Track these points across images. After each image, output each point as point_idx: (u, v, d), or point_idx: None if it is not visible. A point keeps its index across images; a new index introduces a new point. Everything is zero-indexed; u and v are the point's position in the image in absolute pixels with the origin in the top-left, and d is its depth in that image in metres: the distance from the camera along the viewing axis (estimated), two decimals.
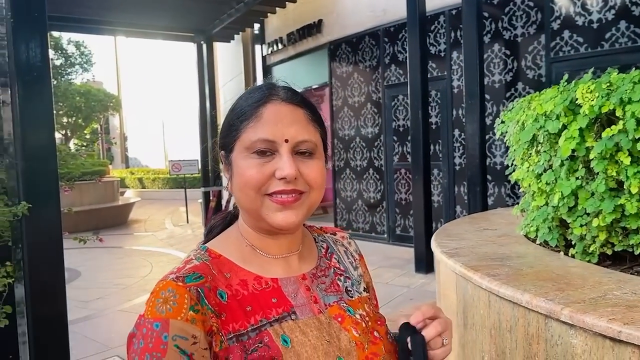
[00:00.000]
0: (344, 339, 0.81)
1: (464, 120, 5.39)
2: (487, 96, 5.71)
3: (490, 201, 5.73)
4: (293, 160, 0.79)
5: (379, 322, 0.89)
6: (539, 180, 1.75)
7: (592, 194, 1.53)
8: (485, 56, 5.73)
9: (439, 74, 6.49)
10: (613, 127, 1.39)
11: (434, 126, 6.51)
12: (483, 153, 4.90)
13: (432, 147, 6.44)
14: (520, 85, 5.58)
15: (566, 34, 5.18)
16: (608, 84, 1.43)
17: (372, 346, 0.83)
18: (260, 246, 0.85)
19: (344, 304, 0.87)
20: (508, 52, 5.71)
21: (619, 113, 1.38)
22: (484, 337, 1.58)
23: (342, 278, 0.92)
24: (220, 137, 0.86)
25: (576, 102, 1.52)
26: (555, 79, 5.05)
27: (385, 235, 7.33)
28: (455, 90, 6.31)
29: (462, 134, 6.03)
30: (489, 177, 5.64)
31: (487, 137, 5.38)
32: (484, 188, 4.93)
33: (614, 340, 1.11)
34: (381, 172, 7.39)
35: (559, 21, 5.23)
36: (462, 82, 5.85)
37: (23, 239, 2.28)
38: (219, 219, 0.95)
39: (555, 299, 1.27)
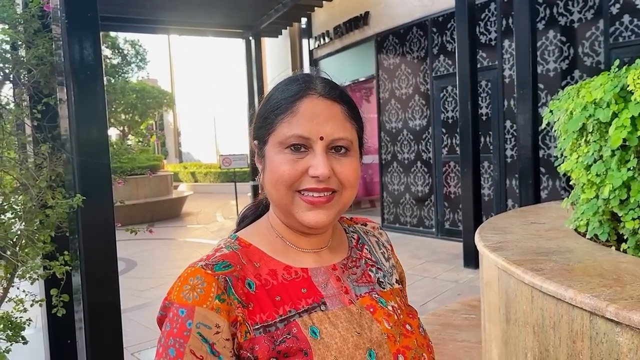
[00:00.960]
0: (376, 331, 0.79)
1: (515, 111, 5.20)
2: (540, 85, 5.48)
3: (543, 195, 5.51)
4: (327, 159, 0.77)
5: (410, 315, 0.87)
6: (588, 172, 1.67)
7: None
8: (539, 44, 5.49)
9: (490, 64, 6.29)
10: None
11: (484, 117, 6.32)
12: (535, 144, 4.72)
13: (482, 139, 6.26)
14: (577, 73, 5.31)
15: (626, 18, 4.88)
16: None
17: (404, 339, 0.81)
18: (290, 239, 0.85)
19: (376, 295, 0.86)
20: (564, 39, 5.45)
21: None
22: (526, 333, 1.53)
23: (373, 269, 0.90)
24: (255, 127, 0.85)
25: (627, 88, 1.43)
26: None
27: (434, 230, 7.21)
28: (507, 80, 6.09)
29: (514, 125, 5.82)
30: (542, 169, 5.42)
31: (540, 128, 5.17)
32: (537, 181, 4.74)
33: None
34: (429, 165, 7.26)
35: (618, 5, 4.93)
36: (513, 72, 5.64)
37: (79, 229, 2.40)
38: (250, 207, 0.94)
39: (601, 295, 1.21)
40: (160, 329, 0.74)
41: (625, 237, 1.61)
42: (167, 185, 11.41)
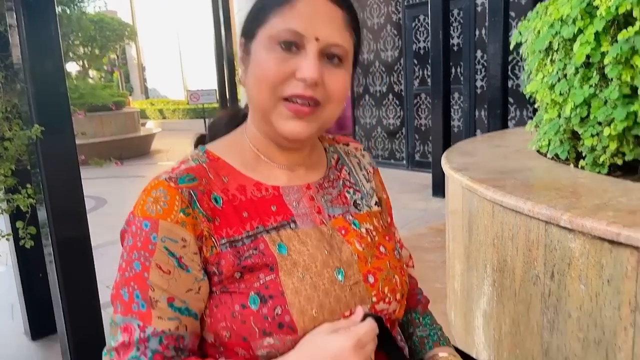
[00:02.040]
0: (346, 251, 0.77)
1: (486, 40, 5.15)
2: (512, 14, 5.41)
3: (511, 125, 5.59)
4: (318, 63, 0.70)
5: (387, 237, 0.85)
6: (552, 91, 1.68)
7: (605, 102, 1.47)
8: None
9: None
10: (630, 28, 1.31)
11: (455, 48, 6.26)
12: (505, 74, 4.72)
13: (453, 70, 6.23)
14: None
15: None
16: None
17: (375, 260, 0.79)
18: (266, 153, 0.80)
19: (350, 217, 0.82)
20: None
21: (636, 14, 1.29)
22: (487, 247, 1.60)
23: (350, 191, 0.86)
24: (245, 21, 0.77)
25: (594, 3, 1.42)
26: None
27: (404, 162, 7.31)
28: (479, 9, 5.99)
29: (485, 55, 5.79)
30: (510, 99, 5.47)
31: (510, 57, 5.16)
32: (505, 111, 4.79)
33: (613, 243, 1.11)
34: (401, 97, 7.24)
35: None
36: (486, 0, 5.54)
37: (39, 162, 2.33)
38: (223, 116, 0.88)
39: (557, 205, 1.26)
40: (122, 244, 0.72)
41: (583, 155, 1.66)
42: (134, 122, 11.10)
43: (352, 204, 0.85)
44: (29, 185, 2.38)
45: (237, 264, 0.70)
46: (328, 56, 0.72)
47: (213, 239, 0.71)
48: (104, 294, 3.03)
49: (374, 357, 0.72)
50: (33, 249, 2.50)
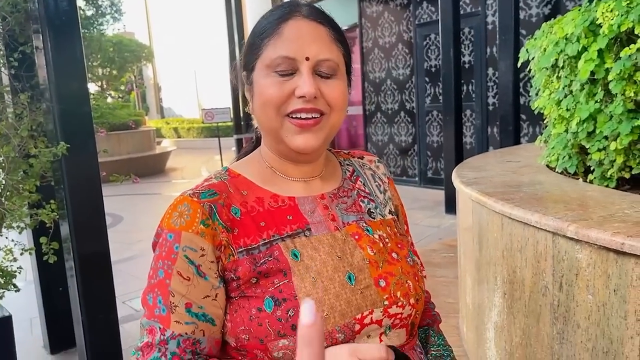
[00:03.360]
0: (358, 256, 0.80)
1: (497, 57, 5.20)
2: (522, 31, 5.47)
3: (524, 141, 5.60)
4: (313, 79, 0.77)
5: (399, 245, 0.87)
6: (559, 107, 1.73)
7: (611, 117, 1.51)
8: None
9: (473, 10, 6.23)
10: (632, 46, 1.35)
11: (467, 65, 6.32)
12: (516, 91, 4.76)
13: (465, 88, 6.28)
14: None
15: None
16: (628, 2, 1.37)
17: (387, 265, 0.81)
18: (281, 169, 0.85)
19: (364, 224, 0.86)
20: None
21: (638, 31, 1.33)
22: (497, 259, 1.63)
23: (365, 200, 0.90)
24: (243, 56, 0.85)
25: (597, 22, 1.47)
26: None
27: (417, 179, 7.33)
28: (490, 27, 6.06)
29: (496, 72, 5.84)
30: (522, 116, 5.49)
31: (521, 75, 5.20)
32: (517, 127, 4.81)
33: (618, 253, 1.14)
34: (413, 114, 7.29)
35: None
36: (496, 18, 5.61)
37: (63, 178, 2.42)
38: (249, 144, 0.96)
39: (564, 217, 1.29)
40: (154, 253, 0.78)
41: (592, 169, 1.69)
42: (149, 140, 11.30)
43: (366, 212, 0.88)
44: (52, 201, 2.47)
45: (253, 269, 0.75)
46: (321, 71, 0.79)
47: (231, 248, 0.76)
48: (120, 309, 3.10)
49: None
50: (54, 263, 2.58)
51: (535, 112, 1.98)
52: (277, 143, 0.82)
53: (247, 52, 0.83)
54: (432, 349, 0.93)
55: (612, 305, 1.17)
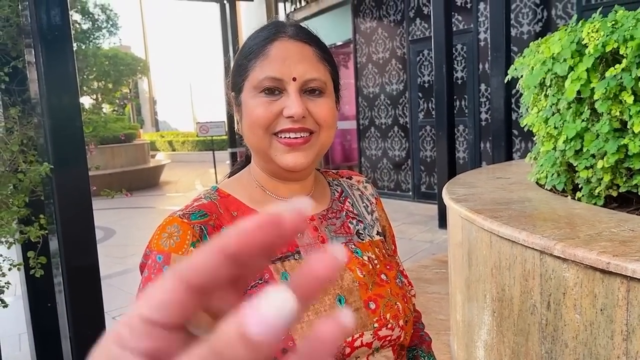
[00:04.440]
0: (347, 279, 0.80)
1: (489, 74, 5.26)
2: (514, 48, 5.53)
3: (516, 157, 5.64)
4: (301, 99, 0.77)
5: (388, 267, 0.87)
6: (547, 125, 1.74)
7: (597, 135, 1.52)
8: (513, 6, 5.52)
9: (465, 27, 6.31)
10: (617, 65, 1.37)
11: (459, 81, 6.38)
12: (508, 107, 4.81)
13: (457, 103, 6.33)
14: None
15: None
16: (613, 22, 1.40)
17: (377, 288, 0.81)
18: (270, 188, 0.85)
19: (353, 246, 0.86)
20: (537, 1, 5.48)
21: (622, 51, 1.35)
22: (486, 277, 1.63)
23: (354, 221, 0.90)
24: (231, 78, 0.86)
25: (583, 42, 1.49)
26: None
27: (410, 193, 7.35)
28: (482, 44, 6.13)
29: (488, 88, 5.90)
30: (515, 132, 5.53)
31: (513, 91, 5.25)
32: (509, 143, 4.85)
33: (604, 272, 1.14)
34: (406, 129, 7.33)
35: None
36: (488, 35, 5.68)
37: (53, 193, 2.41)
38: (238, 162, 0.96)
39: (551, 236, 1.30)
40: (141, 276, 0.77)
41: (580, 186, 1.70)
42: (144, 153, 11.28)
43: (354, 233, 0.88)
44: (42, 216, 2.45)
45: (243, 293, 0.75)
46: (309, 90, 0.79)
47: None
48: (111, 325, 3.06)
49: None
50: (43, 279, 2.55)
51: (525, 129, 2.00)
52: (267, 162, 0.82)
53: (234, 74, 0.84)
54: None
55: (599, 325, 1.17)
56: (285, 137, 0.78)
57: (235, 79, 0.83)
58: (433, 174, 6.85)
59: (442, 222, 5.51)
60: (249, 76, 0.80)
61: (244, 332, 0.19)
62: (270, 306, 0.19)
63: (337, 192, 0.94)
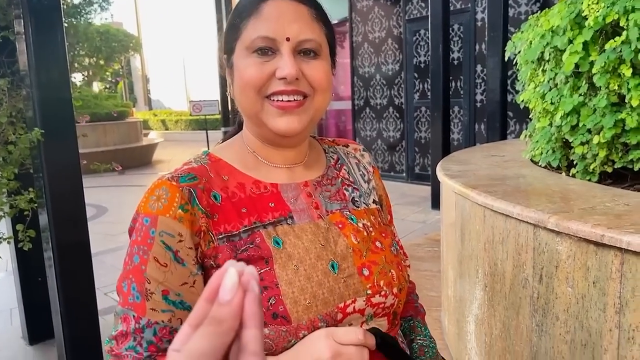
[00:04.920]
0: (341, 244, 0.79)
1: (486, 54, 5.22)
2: (511, 29, 5.48)
3: (510, 138, 5.64)
4: (295, 60, 0.74)
5: (383, 235, 0.86)
6: (543, 100, 1.72)
7: (594, 110, 1.50)
8: None
9: (463, 7, 6.23)
10: (617, 38, 1.35)
11: (455, 62, 6.33)
12: (504, 88, 4.78)
13: (453, 84, 6.29)
14: None
15: None
16: None
17: (371, 254, 0.80)
18: (263, 155, 0.83)
19: (348, 212, 0.84)
20: None
21: (622, 23, 1.33)
22: (478, 252, 1.62)
23: (349, 189, 0.88)
24: (223, 38, 0.83)
25: (583, 14, 1.47)
26: None
27: (404, 174, 7.34)
28: (479, 24, 6.07)
29: (485, 69, 5.86)
30: (510, 113, 5.51)
31: (509, 72, 5.22)
32: (504, 124, 4.84)
33: (598, 245, 1.13)
34: (401, 110, 7.29)
35: None
36: (486, 15, 5.62)
37: (42, 166, 2.37)
38: (231, 130, 0.93)
39: (545, 209, 1.29)
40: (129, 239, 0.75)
41: (574, 163, 1.69)
42: (136, 132, 11.18)
43: (350, 200, 0.87)
44: (31, 189, 2.42)
45: (234, 257, 0.73)
46: (303, 51, 0.76)
47: (211, 234, 0.74)
48: (102, 301, 3.06)
49: None
50: (33, 253, 2.52)
51: (521, 106, 1.98)
52: (259, 127, 0.79)
53: (227, 34, 0.81)
54: (417, 338, 0.92)
55: (592, 298, 1.16)
56: (278, 100, 0.75)
57: (227, 39, 0.80)
58: (427, 156, 6.84)
59: (435, 203, 5.52)
60: (240, 36, 0.77)
61: (217, 300, 0.33)
62: (226, 280, 0.33)
63: (333, 159, 0.92)
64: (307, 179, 0.85)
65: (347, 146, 0.96)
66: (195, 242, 0.73)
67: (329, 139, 0.97)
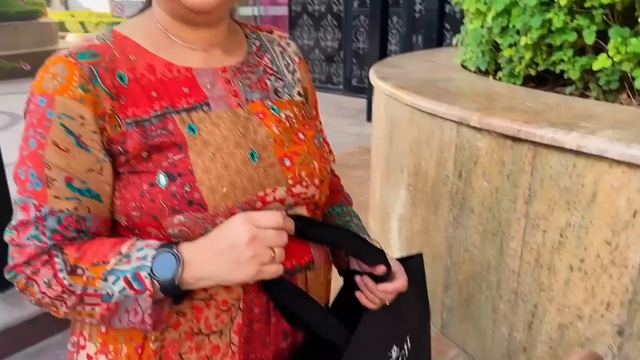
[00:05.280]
0: (262, 134, 0.75)
1: None
2: None
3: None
4: None
5: (307, 127, 0.82)
6: (477, 0, 1.69)
7: (525, 10, 1.50)
8: None
9: None
10: None
11: None
12: None
13: None
14: None
15: None
16: None
17: (293, 145, 0.77)
18: (176, 33, 0.74)
19: (269, 102, 0.79)
20: None
21: None
22: (404, 153, 1.65)
23: (272, 78, 0.83)
24: None
25: None
26: None
27: (341, 86, 7.28)
28: None
29: None
30: (447, 25, 5.49)
31: None
32: (440, 35, 4.82)
33: (514, 139, 1.17)
34: (340, 18, 7.06)
35: None
36: None
37: None
38: (142, 6, 0.81)
39: (469, 107, 1.30)
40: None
41: (502, 66, 1.72)
42: (52, 34, 10.17)
43: (272, 90, 0.82)
44: None
45: (144, 142, 0.68)
46: None
47: (117, 118, 0.67)
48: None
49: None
50: None
51: (456, 8, 1.95)
52: (169, 0, 0.70)
53: None
54: (354, 219, 0.91)
55: (504, 190, 1.22)
56: None
57: None
58: (365, 67, 6.77)
59: (371, 115, 5.56)
60: None
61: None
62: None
63: (255, 45, 0.85)
64: (225, 64, 0.78)
65: (271, 32, 0.89)
66: (100, 126, 0.66)
67: (252, 24, 0.89)
